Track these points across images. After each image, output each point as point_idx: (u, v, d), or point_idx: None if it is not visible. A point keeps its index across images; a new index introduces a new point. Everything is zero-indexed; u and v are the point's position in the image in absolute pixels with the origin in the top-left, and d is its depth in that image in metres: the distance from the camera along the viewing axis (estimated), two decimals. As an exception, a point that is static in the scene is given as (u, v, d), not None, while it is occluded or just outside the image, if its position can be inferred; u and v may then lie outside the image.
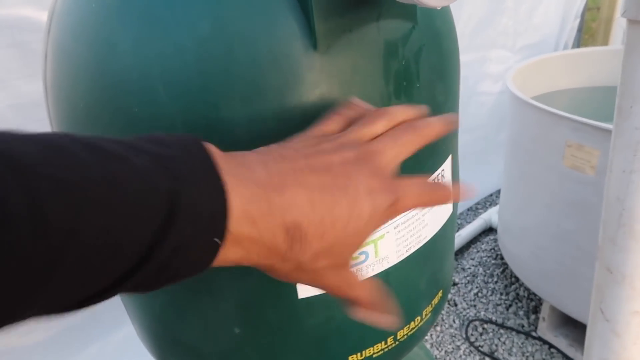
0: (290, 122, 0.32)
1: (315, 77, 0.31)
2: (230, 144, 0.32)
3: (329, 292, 0.29)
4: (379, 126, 0.29)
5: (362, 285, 0.30)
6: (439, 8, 0.26)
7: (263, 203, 0.23)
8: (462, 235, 1.64)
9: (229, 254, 0.22)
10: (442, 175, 0.42)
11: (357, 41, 0.32)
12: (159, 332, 0.47)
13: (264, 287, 0.38)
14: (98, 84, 0.33)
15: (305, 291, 0.38)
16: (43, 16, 0.81)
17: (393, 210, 0.27)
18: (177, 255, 0.20)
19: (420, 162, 0.39)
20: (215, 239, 0.21)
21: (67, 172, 0.18)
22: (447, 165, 0.42)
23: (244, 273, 0.37)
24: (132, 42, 0.32)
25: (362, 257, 0.38)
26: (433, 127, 0.31)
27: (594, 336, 0.41)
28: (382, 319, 0.31)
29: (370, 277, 0.34)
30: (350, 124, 0.30)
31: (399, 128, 0.30)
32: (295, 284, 0.37)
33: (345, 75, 0.32)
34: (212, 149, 0.23)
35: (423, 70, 0.36)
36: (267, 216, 0.23)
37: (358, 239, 0.26)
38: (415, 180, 0.29)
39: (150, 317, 0.46)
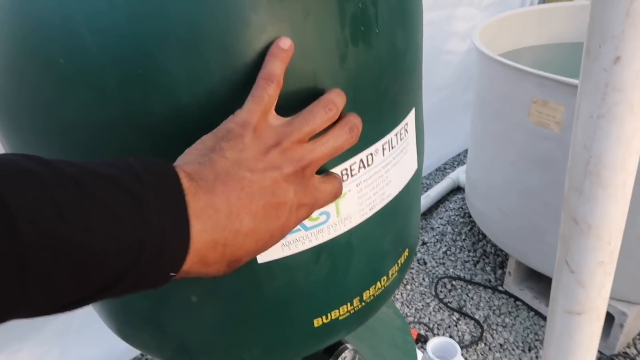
0: (235, 73, 0.29)
1: (261, 19, 0.28)
2: (171, 99, 0.29)
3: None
4: (319, 122, 0.30)
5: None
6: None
7: (219, 248, 0.27)
8: (430, 196, 1.65)
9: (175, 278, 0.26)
10: (406, 130, 0.40)
11: (308, -20, 0.29)
12: (117, 304, 0.44)
13: (220, 252, 0.36)
14: (20, 33, 0.30)
15: (264, 256, 0.36)
16: None
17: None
18: (138, 285, 0.25)
19: (381, 116, 0.36)
20: (172, 274, 0.25)
21: (49, 222, 0.21)
22: (410, 119, 0.40)
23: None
24: (51, -15, 0.28)
25: (323, 218, 0.36)
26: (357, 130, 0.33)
27: (559, 288, 0.40)
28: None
29: None
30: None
31: (337, 131, 0.31)
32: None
33: (295, 19, 0.29)
34: (185, 182, 0.25)
35: (382, 15, 0.33)
36: (217, 259, 0.27)
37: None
38: (329, 180, 0.33)
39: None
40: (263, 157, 0.28)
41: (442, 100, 1.76)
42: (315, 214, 0.36)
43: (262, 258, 0.36)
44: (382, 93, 0.35)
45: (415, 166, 0.44)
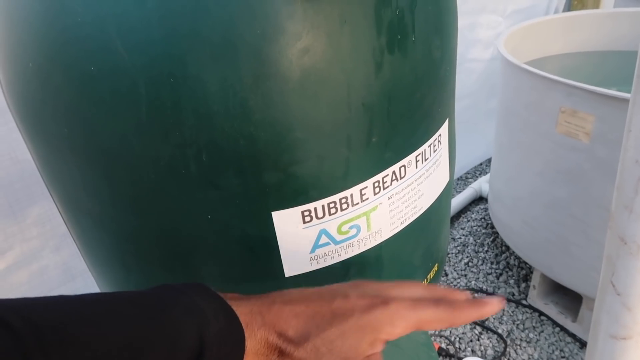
0: (268, 82, 0.28)
1: (296, 27, 0.27)
2: (201, 106, 0.28)
3: None
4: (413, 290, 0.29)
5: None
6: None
7: (257, 316, 0.26)
8: (452, 205, 1.62)
9: None
10: (439, 141, 0.38)
11: (344, -14, 0.28)
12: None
13: (247, 265, 0.35)
14: (47, 39, 0.29)
15: (292, 269, 0.35)
16: None
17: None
18: None
19: (415, 127, 0.35)
20: None
21: (120, 326, 0.22)
22: (443, 130, 0.39)
23: (223, 250, 0.34)
24: (83, -12, 0.27)
25: (354, 231, 0.35)
26: (466, 313, 0.29)
27: (603, 310, 0.38)
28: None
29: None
30: None
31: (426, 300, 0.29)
32: (281, 263, 0.34)
33: (331, 26, 0.28)
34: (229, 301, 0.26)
35: (419, 23, 0.32)
36: (262, 327, 0.26)
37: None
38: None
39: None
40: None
41: (465, 108, 1.73)
42: (345, 227, 0.35)
43: (289, 271, 0.35)
44: (417, 103, 0.34)
45: (447, 178, 0.42)
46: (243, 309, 0.26)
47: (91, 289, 0.99)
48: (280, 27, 0.27)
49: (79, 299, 0.23)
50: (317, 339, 0.26)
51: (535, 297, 1.29)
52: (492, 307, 0.30)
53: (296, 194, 0.32)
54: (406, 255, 0.40)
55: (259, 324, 0.26)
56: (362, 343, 0.26)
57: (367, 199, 0.34)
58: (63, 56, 0.29)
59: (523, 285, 1.37)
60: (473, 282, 1.40)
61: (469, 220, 1.64)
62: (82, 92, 0.29)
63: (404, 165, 0.35)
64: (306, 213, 0.33)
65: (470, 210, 1.69)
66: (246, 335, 0.25)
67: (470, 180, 1.85)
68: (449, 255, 1.50)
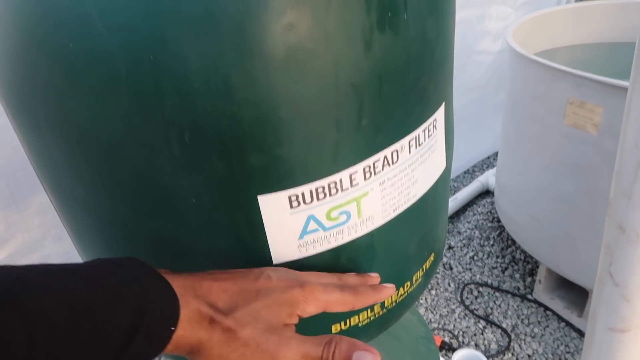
0: (251, 59, 0.27)
1: (281, 2, 0.26)
2: (183, 85, 0.27)
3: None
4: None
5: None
6: None
7: (190, 289, 0.29)
8: (458, 199, 1.61)
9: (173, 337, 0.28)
10: (435, 126, 0.37)
11: (331, -41, 0.27)
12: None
13: (234, 252, 0.34)
14: (26, 14, 0.28)
15: (280, 256, 0.34)
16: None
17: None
18: (146, 343, 0.26)
19: (408, 110, 0.34)
20: (172, 328, 0.28)
21: (57, 309, 0.24)
22: (439, 114, 0.38)
23: (208, 235, 0.33)
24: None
25: (344, 218, 0.34)
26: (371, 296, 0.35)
27: (601, 302, 0.37)
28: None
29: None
30: None
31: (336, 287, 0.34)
32: (269, 249, 0.33)
33: (317, 1, 0.27)
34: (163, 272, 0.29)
35: (411, 0, 0.31)
36: (195, 298, 0.29)
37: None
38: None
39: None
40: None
41: (473, 101, 1.71)
42: (335, 214, 0.34)
43: (277, 258, 0.34)
44: (409, 85, 0.33)
45: (443, 165, 0.41)
46: (177, 282, 0.29)
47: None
48: (264, 2, 0.26)
49: (24, 267, 0.25)
50: (244, 309, 0.30)
51: (540, 292, 1.27)
52: (387, 291, 0.37)
53: (282, 178, 0.31)
54: (400, 244, 0.39)
55: (191, 295, 0.29)
56: (283, 314, 0.31)
57: (357, 184, 0.33)
58: (40, 31, 0.28)
59: (529, 279, 1.35)
60: (478, 276, 1.38)
61: (475, 214, 1.62)
62: (61, 70, 0.29)
63: (397, 150, 0.34)
64: (293, 198, 0.32)
65: (476, 204, 1.67)
66: (180, 304, 0.28)
67: (477, 173, 1.84)
68: (454, 249, 1.48)
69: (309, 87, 0.28)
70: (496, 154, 1.87)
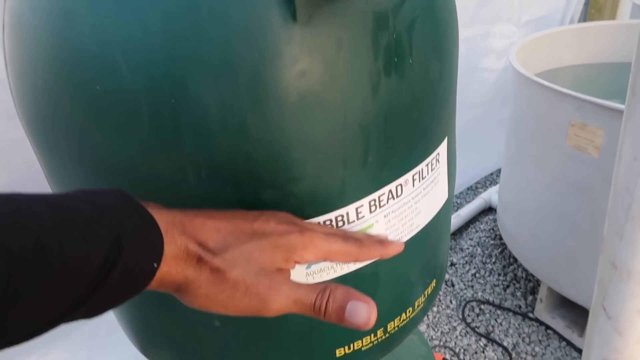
0: (266, 103, 0.29)
1: (294, 51, 0.28)
2: (201, 126, 0.29)
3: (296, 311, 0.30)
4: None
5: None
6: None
7: (178, 226, 0.27)
8: (461, 215, 1.62)
9: (158, 274, 0.26)
10: (437, 160, 0.39)
11: (342, 11, 0.29)
12: (140, 323, 0.44)
13: (243, 279, 0.35)
14: (56, 59, 0.30)
15: (287, 283, 0.36)
16: None
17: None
18: (124, 279, 0.24)
19: (412, 146, 0.36)
20: (155, 265, 0.26)
21: (28, 225, 0.22)
22: (442, 149, 0.39)
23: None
24: (89, 11, 0.28)
25: (349, 248, 0.35)
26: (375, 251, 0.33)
27: (595, 333, 0.38)
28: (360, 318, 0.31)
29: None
30: None
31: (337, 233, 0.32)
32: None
33: (328, 50, 0.29)
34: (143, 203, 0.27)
35: (416, 45, 0.33)
36: (182, 234, 0.27)
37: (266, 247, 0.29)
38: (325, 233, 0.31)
39: (130, 310, 0.43)
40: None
41: (476, 117, 1.72)
42: (341, 245, 0.35)
43: (286, 286, 0.36)
44: (413, 123, 0.35)
45: (445, 196, 0.43)
46: (164, 217, 0.27)
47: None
48: (278, 51, 0.28)
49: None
50: (236, 250, 0.28)
51: (542, 310, 1.28)
52: (395, 247, 0.34)
53: (293, 212, 0.32)
54: (403, 272, 0.41)
55: (179, 232, 0.27)
56: (277, 257, 0.29)
57: (363, 217, 0.35)
58: (70, 75, 0.30)
59: (530, 298, 1.36)
60: (480, 294, 1.39)
61: (477, 231, 1.63)
62: (87, 110, 0.30)
63: (401, 184, 0.36)
64: (303, 229, 0.33)
65: (479, 221, 1.68)
66: (165, 240, 0.26)
67: (480, 190, 1.85)
68: (456, 266, 1.49)
69: (319, 128, 0.30)
70: (499, 170, 1.88)
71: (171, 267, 0.27)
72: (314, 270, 0.35)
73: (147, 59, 0.28)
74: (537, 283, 1.38)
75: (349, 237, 0.32)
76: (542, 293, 1.26)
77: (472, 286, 1.42)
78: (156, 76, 0.28)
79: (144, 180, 0.32)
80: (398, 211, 0.37)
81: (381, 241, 0.34)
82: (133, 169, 0.32)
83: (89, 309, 0.24)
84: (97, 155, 0.32)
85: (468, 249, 1.55)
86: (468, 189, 1.87)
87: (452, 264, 1.50)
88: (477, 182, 1.90)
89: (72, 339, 1.00)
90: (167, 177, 0.31)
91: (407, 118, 0.34)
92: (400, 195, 0.36)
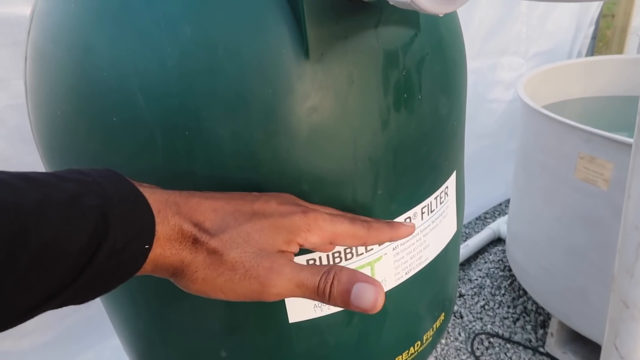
0: (278, 137, 0.29)
1: (306, 87, 0.29)
2: (213, 158, 0.30)
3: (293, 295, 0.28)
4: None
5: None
6: (440, 15, 0.23)
7: (172, 206, 0.26)
8: (469, 246, 1.60)
9: (150, 256, 0.25)
10: (446, 193, 0.39)
11: (353, 49, 0.30)
12: (143, 350, 0.44)
13: (251, 310, 0.35)
14: (75, 91, 0.31)
15: (296, 315, 0.35)
16: (41, 16, 0.79)
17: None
18: (112, 261, 0.23)
19: (421, 180, 0.36)
20: (146, 246, 0.24)
21: (6, 203, 0.21)
22: (450, 182, 0.40)
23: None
24: (109, 46, 0.29)
25: (357, 280, 0.35)
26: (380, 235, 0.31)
27: (607, 373, 0.38)
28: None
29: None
30: None
31: (343, 214, 0.31)
32: (285, 309, 0.35)
33: (339, 86, 0.30)
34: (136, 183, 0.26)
35: (425, 82, 0.33)
36: (176, 215, 0.26)
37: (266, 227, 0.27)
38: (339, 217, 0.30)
39: (136, 335, 0.43)
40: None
41: (484, 148, 1.73)
42: (349, 277, 0.35)
43: (293, 317, 0.36)
44: (422, 157, 0.35)
45: (454, 229, 0.43)
46: (157, 197, 0.26)
47: (106, 318, 1.01)
48: (290, 87, 0.29)
49: None
50: (234, 231, 0.27)
51: (553, 345, 1.25)
52: (405, 229, 0.32)
53: (302, 243, 0.33)
54: (411, 305, 0.41)
55: (173, 212, 0.26)
56: (279, 239, 0.27)
57: (372, 249, 0.35)
58: (88, 106, 0.31)
59: (540, 331, 1.33)
60: (489, 326, 1.37)
61: (486, 262, 1.61)
62: (103, 139, 0.31)
63: (409, 217, 0.36)
64: (311, 261, 0.33)
65: (487, 252, 1.66)
66: (157, 220, 0.25)
67: (489, 220, 1.84)
68: (465, 297, 1.47)
69: (329, 161, 0.31)
70: (508, 200, 1.87)
71: (165, 249, 0.25)
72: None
73: (163, 91, 0.29)
74: (548, 317, 1.35)
75: (355, 219, 0.30)
76: (553, 327, 1.24)
77: (481, 318, 1.39)
78: (171, 108, 0.29)
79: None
80: (407, 244, 0.37)
81: (391, 223, 0.32)
82: (146, 198, 0.32)
83: (77, 293, 0.23)
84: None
85: (477, 280, 1.54)
86: (476, 219, 1.86)
87: (461, 295, 1.48)
88: (486, 213, 1.89)
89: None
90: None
91: (416, 152, 0.34)
92: (408, 228, 0.36)
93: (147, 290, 0.38)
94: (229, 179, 0.30)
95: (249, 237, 0.27)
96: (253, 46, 0.28)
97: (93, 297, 0.24)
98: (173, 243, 0.25)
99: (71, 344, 1.00)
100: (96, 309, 1.02)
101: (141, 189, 0.25)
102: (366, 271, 0.36)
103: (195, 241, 0.26)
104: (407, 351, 0.42)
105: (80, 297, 0.24)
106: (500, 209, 1.90)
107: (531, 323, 1.37)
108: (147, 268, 0.25)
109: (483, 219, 1.85)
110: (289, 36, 0.28)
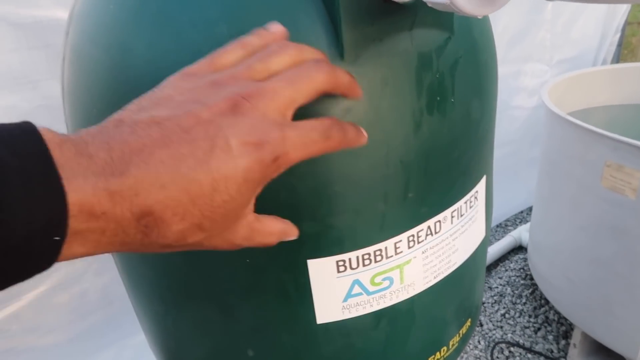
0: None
1: (341, 89, 0.29)
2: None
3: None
4: (276, 62, 0.25)
5: (266, 232, 0.26)
6: (480, 17, 0.23)
7: (103, 196, 0.20)
8: (490, 253, 1.59)
9: (75, 249, 0.20)
10: (476, 198, 0.39)
11: (387, 51, 0.30)
12: (171, 347, 0.45)
13: (280, 310, 0.35)
14: (112, 89, 0.32)
15: (324, 316, 0.36)
16: (74, 19, 0.81)
17: (275, 168, 0.23)
18: (10, 258, 0.18)
19: (451, 184, 0.36)
20: (57, 238, 0.19)
21: None
22: (480, 187, 0.39)
23: (258, 292, 0.35)
24: (147, 46, 0.30)
25: (387, 283, 0.35)
26: (340, 76, 0.26)
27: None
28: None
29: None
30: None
31: (300, 68, 0.25)
32: (313, 310, 0.35)
33: (373, 88, 0.30)
34: (49, 136, 0.20)
35: (458, 85, 0.33)
36: (110, 209, 0.20)
37: (230, 208, 0.23)
38: (302, 128, 0.24)
39: (163, 333, 0.44)
40: (184, 92, 0.24)
41: (506, 155, 1.71)
42: (378, 279, 0.35)
43: (321, 319, 0.36)
44: (454, 161, 0.35)
45: (483, 234, 0.42)
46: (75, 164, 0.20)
47: (129, 316, 1.02)
48: (326, 88, 0.29)
49: None
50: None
51: (575, 356, 1.23)
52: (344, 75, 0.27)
53: (332, 244, 0.33)
54: (438, 310, 0.40)
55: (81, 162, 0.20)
56: (218, 97, 0.23)
57: (402, 252, 0.35)
58: (123, 104, 0.32)
59: (563, 342, 1.31)
60: (509, 335, 1.35)
61: (507, 270, 1.59)
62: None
63: (439, 221, 0.36)
64: (340, 263, 0.33)
65: (508, 259, 1.64)
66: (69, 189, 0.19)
67: (510, 228, 1.81)
68: (485, 305, 1.46)
69: (362, 163, 0.31)
70: (529, 208, 1.85)
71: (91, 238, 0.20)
72: (350, 304, 0.35)
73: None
74: (571, 327, 1.33)
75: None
76: (576, 338, 1.21)
77: (502, 327, 1.37)
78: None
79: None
80: (436, 247, 0.36)
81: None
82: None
83: None
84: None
85: (497, 287, 1.52)
86: (497, 226, 1.84)
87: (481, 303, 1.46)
88: (507, 220, 1.87)
89: (97, 361, 1.01)
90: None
91: (447, 155, 0.34)
92: (438, 231, 0.36)
93: (176, 288, 0.38)
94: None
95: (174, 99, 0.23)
96: (289, 47, 0.28)
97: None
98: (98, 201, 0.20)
99: (93, 341, 1.01)
100: (118, 307, 1.03)
101: (61, 157, 0.19)
102: (395, 274, 0.35)
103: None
104: (432, 356, 0.42)
105: None
106: (521, 217, 1.88)
107: (553, 333, 1.34)
108: (74, 254, 0.21)
109: (504, 227, 1.83)
110: (325, 37, 0.29)
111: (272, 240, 0.27)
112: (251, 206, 0.25)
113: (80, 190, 0.19)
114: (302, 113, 0.25)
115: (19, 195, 0.18)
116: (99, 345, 1.02)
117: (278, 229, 0.27)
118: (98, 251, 0.21)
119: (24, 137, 0.19)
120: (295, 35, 0.28)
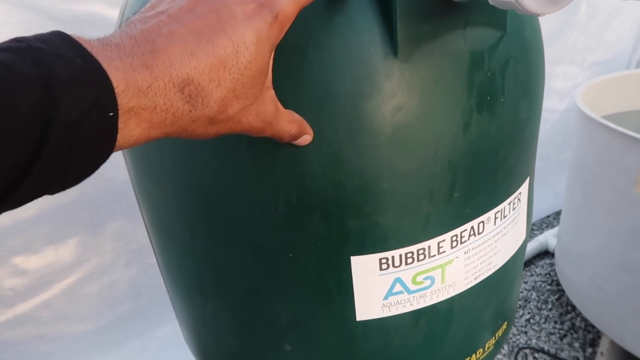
0: (361, 135, 0.29)
1: (393, 85, 0.29)
2: (295, 153, 0.30)
3: (255, 134, 0.27)
4: None
5: (287, 118, 0.28)
6: (543, 15, 0.23)
7: (142, 70, 0.22)
8: (515, 257, 1.57)
9: (131, 129, 0.22)
10: (519, 199, 0.38)
11: (440, 49, 0.30)
12: (206, 339, 0.45)
13: (321, 306, 0.36)
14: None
15: (364, 313, 0.36)
16: (112, 13, 0.82)
17: (279, 25, 0.25)
18: (73, 135, 0.20)
19: (496, 184, 0.36)
20: (111, 113, 0.21)
21: None
22: (524, 189, 0.39)
23: (299, 287, 0.35)
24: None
25: (428, 282, 0.35)
26: None
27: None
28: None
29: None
30: None
31: None
32: (354, 307, 0.35)
33: (425, 86, 0.30)
34: (76, 36, 0.21)
35: (508, 84, 0.33)
36: (153, 82, 0.22)
37: (256, 69, 0.24)
38: None
39: (199, 323, 0.45)
40: None
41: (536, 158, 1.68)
42: (420, 278, 0.35)
43: (361, 316, 0.36)
44: (500, 162, 0.35)
45: (524, 236, 0.42)
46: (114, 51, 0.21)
47: (156, 308, 1.04)
48: (378, 86, 0.29)
49: None
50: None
51: (602, 365, 1.20)
52: None
53: (376, 242, 0.33)
54: (477, 311, 0.40)
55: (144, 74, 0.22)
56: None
57: (444, 251, 0.35)
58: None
59: (589, 350, 1.28)
60: (534, 341, 1.33)
61: (532, 275, 1.57)
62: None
63: (483, 222, 0.35)
64: (383, 261, 0.33)
65: (534, 264, 1.62)
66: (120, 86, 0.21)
67: (535, 232, 1.79)
68: (510, 310, 1.44)
69: (409, 161, 0.31)
70: (556, 213, 1.82)
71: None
72: (391, 302, 0.35)
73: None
74: (598, 335, 1.30)
75: None
76: (604, 346, 1.19)
77: (526, 332, 1.36)
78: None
79: (234, 204, 0.33)
80: (478, 248, 0.36)
81: None
82: (227, 191, 0.33)
83: (46, 175, 0.20)
84: (192, 175, 0.34)
85: (522, 292, 1.50)
86: (523, 231, 1.81)
87: (505, 308, 1.45)
88: (534, 224, 1.84)
89: (121, 352, 1.03)
90: (257, 200, 0.32)
91: (494, 156, 0.34)
92: (481, 232, 0.36)
93: (216, 281, 0.39)
94: (310, 175, 0.31)
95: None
96: (342, 44, 0.29)
97: (72, 181, 0.21)
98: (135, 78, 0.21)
99: (121, 331, 1.03)
100: (146, 299, 1.05)
101: (93, 48, 0.21)
102: (437, 274, 0.35)
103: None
104: (468, 358, 0.42)
105: (56, 182, 0.20)
106: (547, 221, 1.84)
107: (579, 340, 1.32)
108: (133, 137, 0.22)
109: (530, 231, 1.80)
110: (379, 35, 0.29)
111: (294, 128, 0.28)
112: (270, 77, 0.27)
113: (119, 69, 0.21)
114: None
115: (66, 77, 0.19)
116: (126, 336, 1.04)
117: (297, 118, 0.29)
118: (153, 133, 0.23)
119: (56, 38, 0.21)
120: (350, 32, 0.29)
